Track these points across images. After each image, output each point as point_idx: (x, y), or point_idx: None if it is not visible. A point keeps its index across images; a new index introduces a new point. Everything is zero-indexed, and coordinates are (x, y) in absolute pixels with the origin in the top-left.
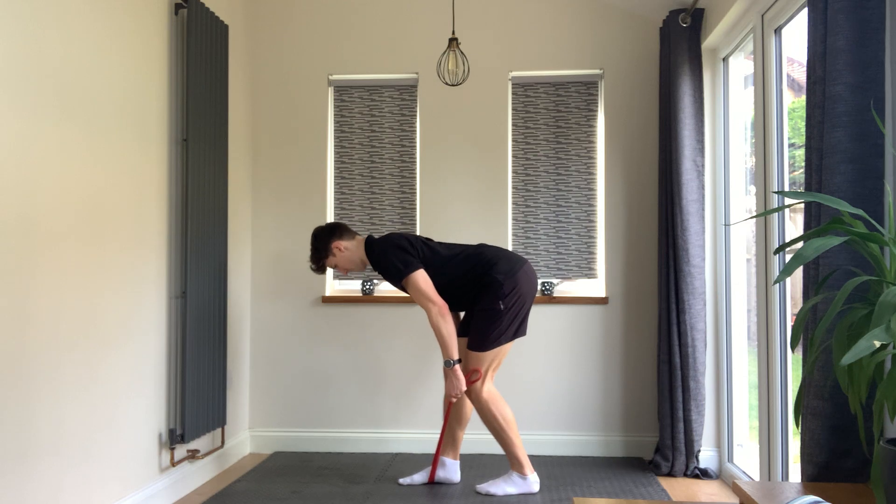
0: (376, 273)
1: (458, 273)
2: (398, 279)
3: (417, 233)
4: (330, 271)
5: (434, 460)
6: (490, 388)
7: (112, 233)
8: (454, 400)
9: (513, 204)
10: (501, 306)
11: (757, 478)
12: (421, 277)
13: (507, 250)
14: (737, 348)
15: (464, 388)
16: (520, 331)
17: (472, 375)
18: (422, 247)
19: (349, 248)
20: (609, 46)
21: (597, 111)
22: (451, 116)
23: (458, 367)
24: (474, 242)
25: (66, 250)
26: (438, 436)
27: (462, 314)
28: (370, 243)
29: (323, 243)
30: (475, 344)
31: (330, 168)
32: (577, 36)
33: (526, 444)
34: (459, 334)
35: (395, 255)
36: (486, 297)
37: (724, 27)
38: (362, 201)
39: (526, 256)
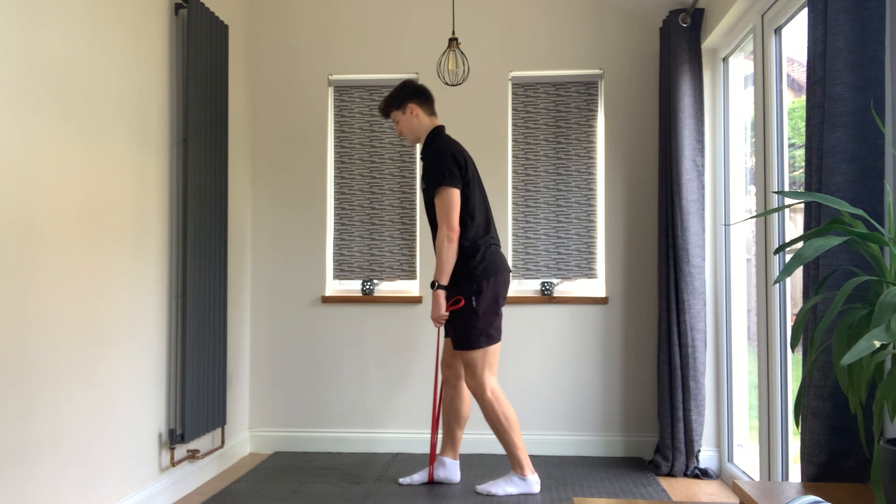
0: (376, 273)
1: (467, 231)
2: (434, 184)
3: (418, 233)
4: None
5: (430, 460)
6: (494, 387)
7: (112, 233)
8: (437, 325)
9: (513, 204)
10: (474, 303)
11: (757, 478)
12: (454, 196)
13: (500, 253)
14: (737, 348)
15: (443, 312)
16: (499, 334)
17: (454, 302)
18: (472, 175)
19: (419, 118)
20: (609, 46)
21: (597, 111)
22: (451, 116)
23: (441, 292)
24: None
25: (65, 250)
26: (430, 435)
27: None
28: (436, 133)
29: (402, 96)
30: (458, 344)
31: (330, 168)
32: (577, 36)
33: (526, 443)
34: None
35: (447, 162)
36: (459, 291)
37: (724, 27)
38: (362, 201)
39: (526, 256)
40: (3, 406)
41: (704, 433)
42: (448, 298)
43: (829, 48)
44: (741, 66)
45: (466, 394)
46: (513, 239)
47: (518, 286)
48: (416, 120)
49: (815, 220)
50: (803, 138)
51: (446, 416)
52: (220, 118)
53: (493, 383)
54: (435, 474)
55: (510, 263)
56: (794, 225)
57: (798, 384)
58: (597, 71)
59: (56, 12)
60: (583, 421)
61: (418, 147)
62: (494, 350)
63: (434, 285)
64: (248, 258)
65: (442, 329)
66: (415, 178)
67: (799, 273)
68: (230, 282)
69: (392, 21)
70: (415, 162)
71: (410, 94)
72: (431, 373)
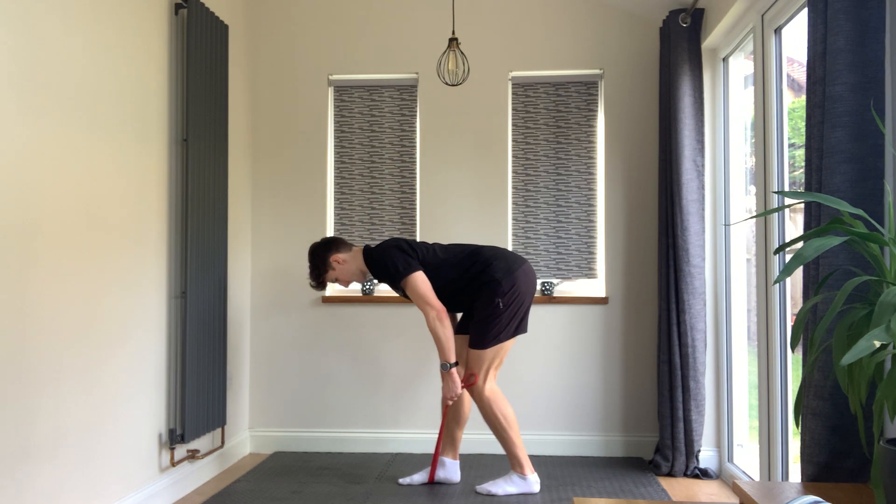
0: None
1: (456, 274)
2: (397, 280)
3: (418, 232)
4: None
5: (433, 460)
6: (493, 387)
7: (112, 233)
8: (450, 403)
9: (513, 204)
10: (500, 304)
11: (757, 478)
12: (420, 279)
13: (505, 250)
14: (737, 348)
15: (459, 391)
16: (520, 328)
17: (469, 379)
18: (421, 249)
19: (347, 260)
20: (609, 46)
21: (597, 111)
22: (451, 116)
23: (454, 370)
24: (474, 242)
25: (66, 250)
26: (437, 436)
27: (460, 314)
28: (368, 251)
29: (321, 259)
30: (475, 342)
31: (330, 168)
32: (577, 36)
33: (526, 443)
34: (458, 332)
35: (394, 257)
36: (484, 294)
37: (724, 27)
38: (362, 201)
39: (526, 256)
40: (3, 406)
41: (704, 433)
42: (479, 306)
43: (829, 48)
44: (741, 66)
45: (466, 394)
46: (513, 239)
47: None
48: (346, 264)
49: (815, 220)
50: (803, 138)
51: (447, 416)
52: (220, 118)
53: (491, 383)
54: (435, 474)
55: None
56: (794, 225)
57: (798, 384)
58: (597, 71)
59: (57, 13)
60: (583, 421)
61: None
62: (505, 350)
63: (445, 367)
64: (249, 258)
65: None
66: (415, 178)
67: (799, 273)
68: (230, 281)
69: (392, 21)
70: (415, 162)
71: (324, 251)
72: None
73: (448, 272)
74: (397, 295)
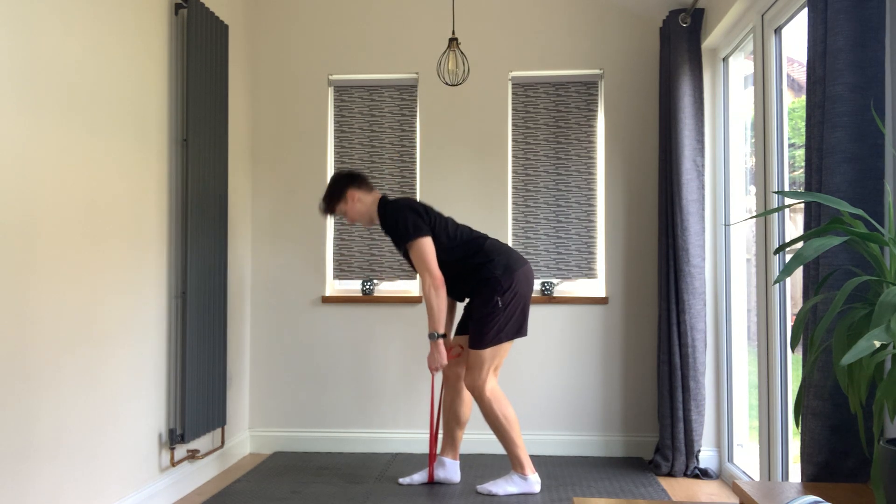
0: (376, 273)
1: (457, 256)
2: (404, 241)
3: None
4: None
5: (430, 460)
6: (494, 387)
7: (112, 233)
8: (434, 373)
9: (513, 204)
10: (500, 303)
11: (757, 478)
12: (426, 245)
13: (509, 247)
14: (737, 348)
15: (444, 362)
16: (521, 331)
17: (454, 350)
18: (434, 216)
19: (363, 201)
20: (609, 46)
21: (597, 111)
22: (451, 116)
23: (441, 341)
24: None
25: (66, 250)
26: (429, 436)
27: (459, 314)
28: (384, 202)
29: (339, 188)
30: (475, 341)
31: (330, 168)
32: (576, 36)
33: (526, 443)
34: (459, 332)
35: (406, 217)
36: (484, 292)
37: (724, 27)
38: None
39: (526, 256)
40: (3, 406)
41: (704, 433)
42: (478, 304)
43: (829, 48)
44: (741, 66)
45: (467, 395)
46: (513, 239)
47: None
48: (360, 204)
49: (815, 220)
50: (803, 138)
51: (446, 417)
52: (220, 118)
53: (492, 383)
54: (435, 474)
55: None
56: (794, 225)
57: (798, 384)
58: (597, 71)
59: (56, 12)
60: (583, 421)
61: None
62: (504, 351)
63: (433, 336)
64: (248, 258)
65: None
66: (415, 178)
67: (799, 273)
68: (230, 282)
69: (392, 21)
70: (415, 162)
71: (345, 182)
72: (430, 372)
73: (453, 251)
74: (397, 294)
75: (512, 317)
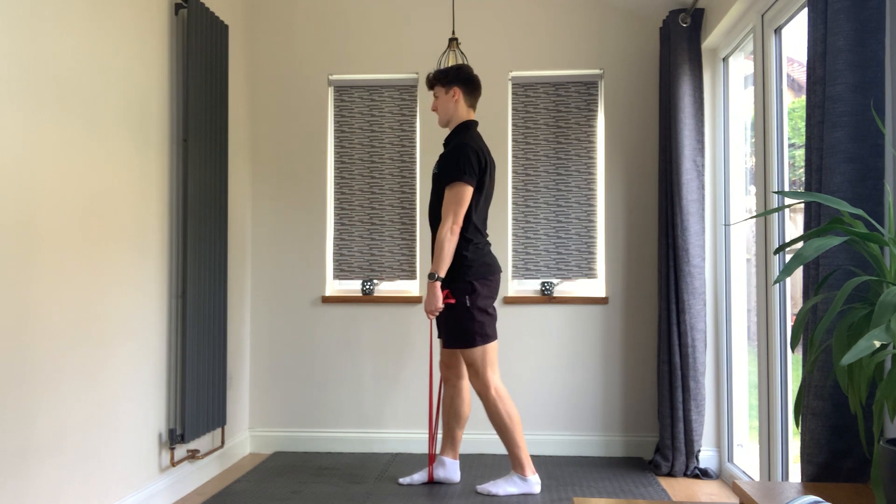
0: (376, 273)
1: (464, 230)
2: (450, 176)
3: (418, 232)
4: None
5: (430, 459)
6: (499, 386)
7: (112, 233)
8: (430, 318)
9: (513, 204)
10: (467, 301)
11: (757, 478)
12: (466, 193)
13: (492, 255)
14: (737, 348)
15: (440, 305)
16: (496, 333)
17: (447, 297)
18: (488, 178)
19: (458, 104)
20: (609, 46)
21: (597, 111)
22: None
23: (438, 283)
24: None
25: (66, 250)
26: (428, 436)
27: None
28: (468, 126)
29: (452, 77)
30: (451, 342)
31: (330, 168)
32: (577, 36)
33: (527, 443)
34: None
35: (468, 157)
36: (455, 288)
37: (724, 27)
38: (362, 201)
39: (526, 256)
40: (3, 406)
41: (704, 433)
42: (450, 299)
43: (829, 48)
44: (741, 66)
45: (467, 394)
46: (513, 239)
47: (518, 286)
48: (453, 104)
49: (815, 220)
50: (803, 138)
51: (446, 416)
52: (220, 118)
53: (496, 381)
54: (435, 474)
55: (510, 263)
56: (794, 225)
57: (798, 384)
58: (597, 71)
59: (56, 12)
60: (583, 421)
61: (444, 132)
62: (493, 348)
63: (433, 276)
64: (248, 258)
65: (435, 324)
66: (415, 178)
67: (799, 273)
68: (230, 282)
69: (392, 21)
70: (415, 162)
71: (461, 79)
72: (427, 316)
73: (472, 220)
74: (397, 294)
75: (485, 321)
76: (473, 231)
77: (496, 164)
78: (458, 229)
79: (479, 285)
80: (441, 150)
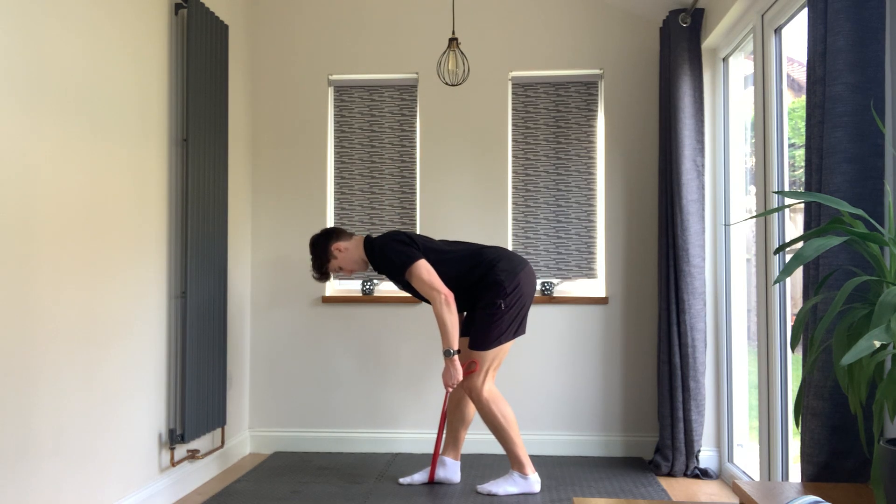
0: (376, 273)
1: (459, 270)
2: (401, 272)
3: (418, 232)
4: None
5: (433, 460)
6: (491, 388)
7: (112, 233)
8: (450, 390)
9: (513, 204)
10: (503, 305)
11: (757, 478)
12: (424, 267)
13: (507, 250)
14: (737, 348)
15: (460, 377)
16: (519, 329)
17: (469, 366)
18: (421, 240)
19: (349, 248)
20: (609, 46)
21: (597, 111)
22: (451, 116)
23: (457, 357)
24: (474, 242)
25: (66, 250)
26: (436, 435)
27: (464, 313)
28: (369, 242)
29: (322, 248)
30: (476, 343)
31: (330, 168)
32: (577, 36)
33: (526, 444)
34: (461, 333)
35: (395, 249)
36: (487, 295)
37: (724, 27)
38: (362, 201)
39: (526, 256)
40: (3, 406)
41: (704, 433)
42: (480, 307)
43: (829, 48)
44: (741, 66)
45: None
46: (513, 239)
47: None
48: (347, 252)
49: (815, 220)
50: (803, 138)
51: (451, 416)
52: (220, 118)
53: (489, 384)
54: (435, 474)
55: None
56: (794, 225)
57: (798, 384)
58: (597, 71)
59: (56, 12)
60: (583, 421)
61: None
62: (504, 351)
63: (448, 353)
64: (248, 258)
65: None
66: (415, 178)
67: (799, 273)
68: (230, 282)
69: (392, 21)
70: (415, 162)
71: (325, 241)
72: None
73: (451, 267)
74: (397, 295)
75: (514, 318)
76: (467, 259)
77: (496, 163)
78: (449, 298)
79: (511, 284)
80: (439, 149)
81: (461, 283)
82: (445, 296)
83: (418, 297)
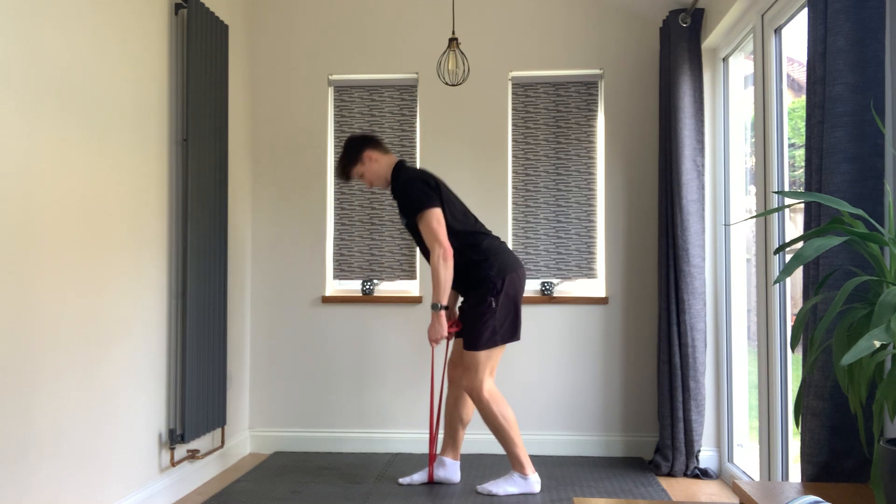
0: (376, 273)
1: (458, 243)
2: (414, 211)
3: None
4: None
5: (430, 460)
6: (491, 388)
7: (112, 232)
8: (434, 346)
9: (513, 204)
10: (493, 304)
11: (757, 478)
12: (436, 216)
13: (507, 249)
14: (737, 348)
15: (444, 333)
16: (515, 335)
17: (454, 325)
18: (447, 194)
19: (379, 161)
20: (609, 46)
21: (597, 111)
22: (451, 116)
23: (443, 312)
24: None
25: (66, 250)
26: (429, 436)
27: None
28: (399, 167)
29: (355, 149)
30: (470, 343)
31: (330, 168)
32: (577, 36)
33: (526, 444)
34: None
35: (418, 188)
36: (478, 291)
37: (724, 27)
38: (362, 201)
39: (526, 256)
40: (3, 406)
41: (704, 433)
42: (470, 304)
43: (829, 48)
44: (741, 66)
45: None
46: (513, 239)
47: None
48: (377, 164)
49: (815, 220)
50: (803, 138)
51: (449, 417)
52: (220, 118)
53: (489, 384)
54: (435, 474)
55: None
56: (794, 225)
57: (798, 384)
58: (597, 71)
59: (56, 12)
60: (583, 421)
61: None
62: (499, 352)
63: (435, 307)
64: (248, 258)
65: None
66: None
67: (799, 273)
68: (230, 282)
69: (392, 21)
70: (415, 162)
71: (360, 143)
72: (430, 344)
73: (454, 235)
74: (397, 294)
75: (506, 319)
76: (468, 237)
77: (496, 163)
78: (448, 253)
79: (503, 283)
80: (439, 149)
81: (455, 258)
82: (445, 250)
83: (419, 243)
